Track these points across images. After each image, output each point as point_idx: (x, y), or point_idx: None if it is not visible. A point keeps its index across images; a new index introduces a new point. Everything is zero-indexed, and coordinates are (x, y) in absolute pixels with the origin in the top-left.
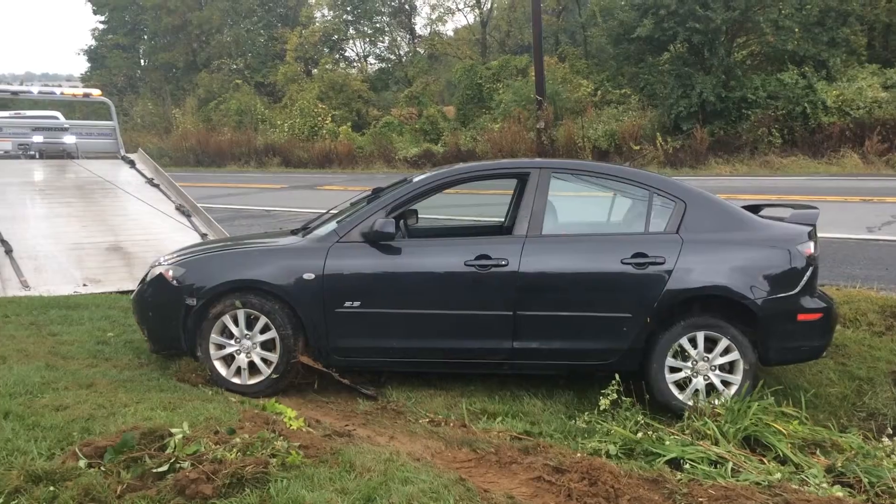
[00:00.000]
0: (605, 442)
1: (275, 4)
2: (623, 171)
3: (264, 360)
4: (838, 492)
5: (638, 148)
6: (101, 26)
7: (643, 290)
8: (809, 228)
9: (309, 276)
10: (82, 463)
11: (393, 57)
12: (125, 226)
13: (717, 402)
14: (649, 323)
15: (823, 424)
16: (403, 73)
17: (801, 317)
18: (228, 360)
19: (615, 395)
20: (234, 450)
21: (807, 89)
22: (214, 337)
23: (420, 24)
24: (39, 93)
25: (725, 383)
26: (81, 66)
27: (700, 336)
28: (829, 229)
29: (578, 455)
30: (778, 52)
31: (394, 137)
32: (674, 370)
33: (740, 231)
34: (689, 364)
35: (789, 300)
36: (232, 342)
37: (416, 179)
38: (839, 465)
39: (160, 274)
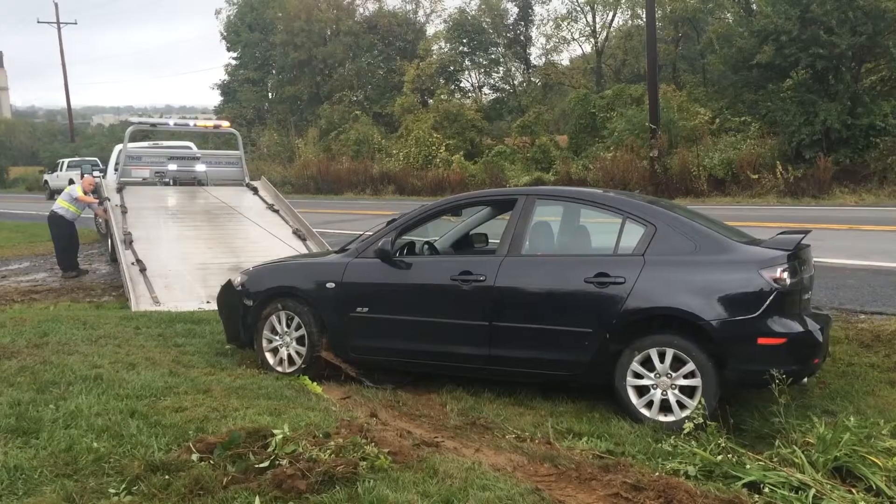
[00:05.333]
0: (685, 463)
1: (394, 38)
2: (600, 197)
3: (297, 353)
4: None
5: (756, 177)
6: (234, 62)
7: (603, 308)
8: (786, 252)
9: (331, 284)
10: (195, 457)
11: (507, 87)
12: (246, 248)
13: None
14: (609, 338)
15: None
16: (517, 103)
17: (761, 340)
18: (274, 351)
19: (700, 419)
20: (328, 451)
21: None
22: (266, 333)
23: (535, 55)
24: (175, 124)
25: (686, 399)
26: (215, 99)
27: (661, 352)
28: None
29: (656, 474)
30: None
31: (505, 166)
32: (637, 384)
33: (708, 254)
34: (650, 379)
35: (749, 323)
36: (277, 338)
37: (423, 206)
38: None
39: (229, 280)
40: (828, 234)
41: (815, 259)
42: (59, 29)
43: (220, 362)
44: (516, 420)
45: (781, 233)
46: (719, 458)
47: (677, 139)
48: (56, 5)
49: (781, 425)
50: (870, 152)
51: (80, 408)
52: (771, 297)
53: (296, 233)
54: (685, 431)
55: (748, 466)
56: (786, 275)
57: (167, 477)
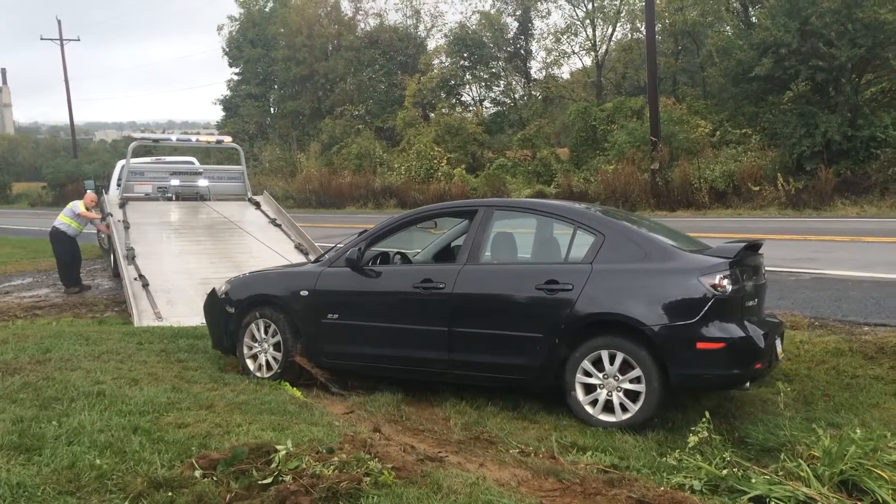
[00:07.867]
0: (690, 477)
1: (395, 53)
2: (553, 207)
3: (274, 359)
4: None
5: (757, 189)
6: (236, 78)
7: (552, 313)
8: (727, 260)
9: (304, 292)
10: (198, 473)
11: (508, 100)
12: (249, 263)
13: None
14: (558, 343)
15: None
16: (518, 116)
17: (700, 345)
18: (254, 358)
19: (705, 433)
20: (332, 467)
21: None
22: (246, 340)
23: (535, 68)
24: (178, 140)
25: (632, 400)
26: (217, 114)
27: (605, 355)
28: None
29: (662, 489)
30: None
31: (507, 179)
32: (586, 386)
33: (654, 262)
34: (598, 381)
35: (688, 328)
36: (256, 344)
37: (391, 217)
38: None
39: (214, 288)
40: (830, 245)
41: (817, 271)
42: (61, 46)
43: (222, 377)
44: (520, 434)
45: (732, 242)
46: (724, 471)
47: (678, 151)
48: (59, 22)
49: (787, 438)
50: (871, 164)
51: (82, 424)
52: (710, 303)
53: (298, 247)
54: (690, 445)
55: (754, 480)
56: (725, 282)
57: (170, 493)
